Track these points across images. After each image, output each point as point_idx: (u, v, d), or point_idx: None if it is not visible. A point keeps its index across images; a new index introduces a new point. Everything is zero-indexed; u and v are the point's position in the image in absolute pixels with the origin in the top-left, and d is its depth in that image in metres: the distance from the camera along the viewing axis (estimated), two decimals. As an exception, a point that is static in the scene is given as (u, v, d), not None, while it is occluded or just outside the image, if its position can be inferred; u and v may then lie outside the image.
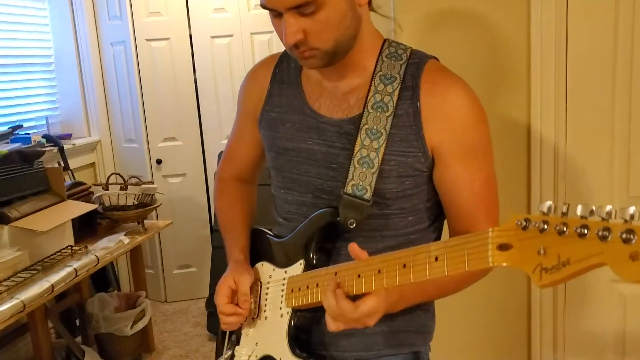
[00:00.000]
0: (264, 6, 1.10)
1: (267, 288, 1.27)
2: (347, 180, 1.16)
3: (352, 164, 1.16)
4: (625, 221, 0.68)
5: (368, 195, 1.15)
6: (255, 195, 1.52)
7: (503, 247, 0.80)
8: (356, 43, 1.16)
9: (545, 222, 0.75)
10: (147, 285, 3.52)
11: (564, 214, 0.74)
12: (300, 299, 1.16)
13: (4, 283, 2.11)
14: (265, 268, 1.31)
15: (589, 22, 1.60)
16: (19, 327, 2.85)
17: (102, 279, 3.79)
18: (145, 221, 3.00)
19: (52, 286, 2.18)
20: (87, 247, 2.58)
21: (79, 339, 3.30)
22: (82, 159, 3.87)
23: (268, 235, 1.36)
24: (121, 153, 4.10)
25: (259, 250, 1.35)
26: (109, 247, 2.63)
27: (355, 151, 1.16)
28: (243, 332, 1.30)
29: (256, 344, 1.27)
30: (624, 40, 1.59)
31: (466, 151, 1.15)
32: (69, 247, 2.52)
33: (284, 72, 1.29)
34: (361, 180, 1.15)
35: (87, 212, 2.72)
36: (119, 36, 3.90)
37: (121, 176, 3.03)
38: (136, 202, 2.92)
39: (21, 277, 2.18)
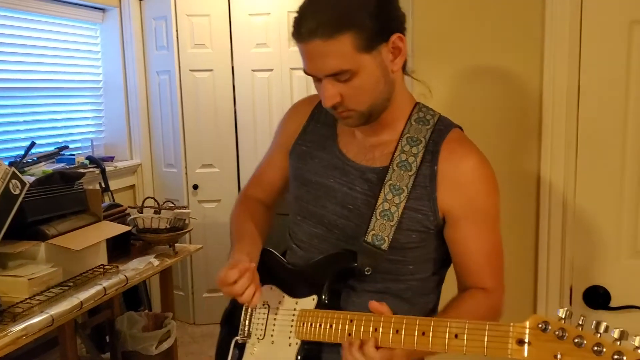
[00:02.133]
0: (305, 72, 1.21)
1: (276, 313, 1.33)
2: (369, 230, 1.24)
3: (374, 215, 1.24)
4: (636, 348, 0.79)
5: (385, 246, 1.23)
6: (270, 220, 1.57)
7: (522, 342, 0.91)
8: (390, 104, 1.25)
9: (563, 330, 0.86)
10: (177, 307, 3.60)
11: (579, 325, 0.85)
12: (312, 334, 1.22)
13: (37, 297, 2.22)
14: (275, 292, 1.36)
15: (601, 76, 1.62)
16: (49, 340, 2.97)
17: (134, 298, 3.90)
18: (176, 244, 3.09)
19: (81, 303, 2.28)
20: (118, 266, 2.68)
21: (108, 355, 3.40)
22: (123, 181, 4.02)
23: (280, 260, 1.42)
24: (160, 177, 4.26)
25: (270, 272, 1.40)
26: (139, 268, 2.72)
27: (378, 203, 1.24)
28: (247, 349, 1.35)
29: None
30: (635, 95, 1.62)
31: (476, 216, 1.24)
32: (101, 266, 2.62)
33: (322, 114, 1.39)
34: (381, 231, 1.23)
35: (121, 233, 2.83)
36: (164, 66, 4.08)
37: (156, 200, 3.15)
38: (168, 226, 3.02)
39: (53, 293, 2.28)
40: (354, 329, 1.13)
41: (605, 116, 1.64)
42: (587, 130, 1.66)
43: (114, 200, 3.60)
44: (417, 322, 1.06)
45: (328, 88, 1.18)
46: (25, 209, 2.43)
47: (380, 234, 1.23)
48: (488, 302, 1.25)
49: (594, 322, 0.83)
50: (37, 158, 3.31)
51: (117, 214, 3.03)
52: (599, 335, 0.83)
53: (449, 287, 1.35)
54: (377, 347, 1.10)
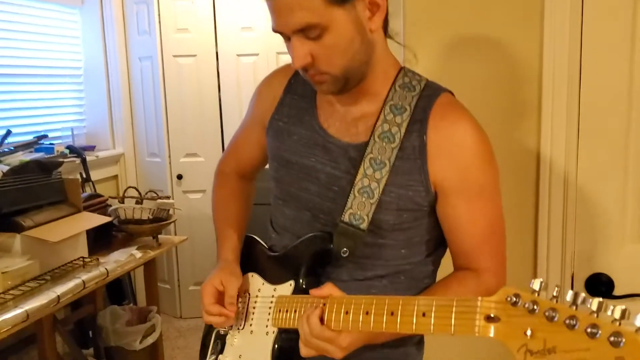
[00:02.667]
0: (274, 29, 1.10)
1: (255, 302, 1.26)
2: (346, 208, 1.15)
3: (352, 192, 1.14)
4: (614, 320, 0.69)
5: (364, 225, 1.14)
6: (254, 192, 1.52)
7: (490, 319, 0.80)
8: (370, 70, 1.14)
9: (534, 302, 0.76)
10: (163, 300, 3.51)
11: (554, 297, 0.75)
12: (287, 322, 1.15)
13: (11, 291, 2.11)
14: (255, 280, 1.29)
15: (603, 51, 1.54)
16: (28, 336, 2.87)
17: (118, 291, 3.80)
18: (160, 236, 3.00)
19: (59, 297, 2.18)
20: (98, 259, 2.58)
21: (91, 350, 3.30)
22: (105, 171, 3.91)
23: (261, 247, 1.35)
24: (143, 167, 4.14)
25: (251, 260, 1.34)
26: (120, 260, 2.62)
27: (357, 180, 1.14)
28: (228, 340, 1.30)
29: (240, 355, 1.26)
30: (639, 70, 1.54)
31: (470, 190, 1.13)
32: (81, 259, 2.52)
33: (299, 84, 1.28)
34: (359, 209, 1.14)
35: (103, 225, 2.72)
36: (147, 51, 3.95)
37: (138, 190, 3.04)
38: (151, 217, 2.92)
39: (29, 287, 2.18)
40: (326, 311, 1.03)
41: (609, 91, 1.55)
42: (589, 107, 1.57)
43: (95, 191, 3.49)
44: (386, 302, 0.96)
45: (297, 46, 1.07)
46: (-1, 199, 2.32)
47: (358, 212, 1.13)
48: (479, 286, 1.13)
49: (571, 292, 0.73)
50: (15, 147, 3.19)
51: (97, 205, 2.93)
52: (574, 307, 0.72)
53: (447, 270, 1.24)
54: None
